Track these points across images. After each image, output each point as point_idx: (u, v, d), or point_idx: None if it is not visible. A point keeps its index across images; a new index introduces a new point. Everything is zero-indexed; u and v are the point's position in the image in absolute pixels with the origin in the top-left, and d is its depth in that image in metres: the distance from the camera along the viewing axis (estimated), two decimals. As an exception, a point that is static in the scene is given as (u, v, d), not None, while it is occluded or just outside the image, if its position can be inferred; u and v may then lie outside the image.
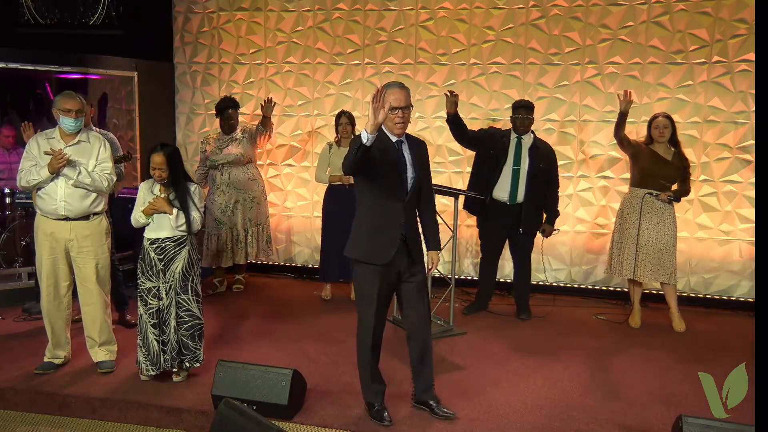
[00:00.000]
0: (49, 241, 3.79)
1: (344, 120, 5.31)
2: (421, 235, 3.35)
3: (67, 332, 3.96)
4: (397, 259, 3.20)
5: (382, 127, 3.12)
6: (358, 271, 3.28)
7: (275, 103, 5.54)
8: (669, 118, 4.78)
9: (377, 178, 3.13)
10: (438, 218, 3.62)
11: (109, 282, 3.98)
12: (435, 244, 3.40)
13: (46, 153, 3.67)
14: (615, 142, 5.53)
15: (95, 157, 3.81)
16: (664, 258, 4.77)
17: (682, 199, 4.85)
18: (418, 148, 3.28)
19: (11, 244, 5.45)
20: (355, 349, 3.26)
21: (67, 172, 3.70)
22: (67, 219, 3.76)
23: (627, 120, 4.77)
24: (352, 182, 5.23)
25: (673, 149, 4.79)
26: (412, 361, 3.41)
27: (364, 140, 2.87)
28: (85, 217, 3.80)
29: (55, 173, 3.68)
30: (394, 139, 3.17)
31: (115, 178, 3.88)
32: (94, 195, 3.80)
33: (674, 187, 4.80)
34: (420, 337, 3.34)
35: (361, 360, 3.36)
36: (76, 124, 3.76)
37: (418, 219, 3.36)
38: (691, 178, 4.90)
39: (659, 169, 4.75)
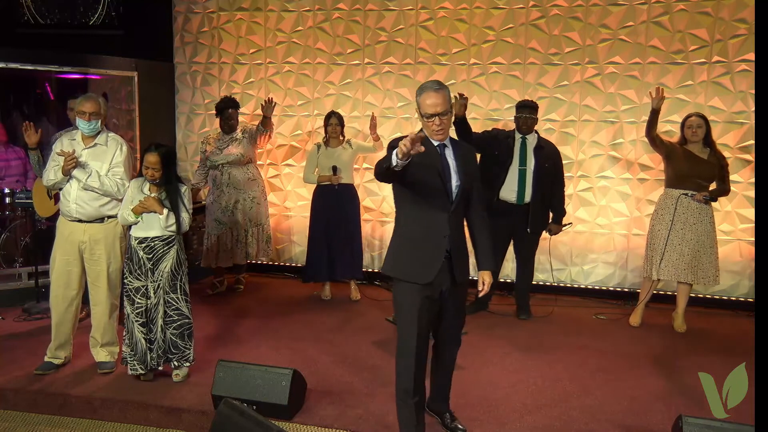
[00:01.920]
0: (64, 243, 3.82)
1: (334, 120, 5.32)
2: (465, 258, 2.99)
3: (72, 334, 3.97)
4: (440, 278, 2.86)
5: (423, 130, 2.85)
6: (396, 289, 2.94)
7: (275, 103, 5.54)
8: (702, 117, 4.71)
9: (417, 186, 2.79)
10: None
11: (119, 285, 3.97)
12: (488, 263, 3.00)
13: (58, 154, 3.70)
14: (615, 142, 5.54)
15: (109, 161, 3.82)
16: (702, 259, 4.71)
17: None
18: (465, 153, 2.95)
19: (11, 244, 5.45)
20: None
21: (77, 174, 3.73)
22: (80, 221, 3.79)
23: (659, 119, 4.73)
24: (341, 182, 5.27)
25: (707, 149, 4.72)
26: (432, 373, 3.21)
27: (393, 163, 2.55)
28: (99, 220, 3.82)
29: (68, 175, 3.73)
30: (435, 143, 2.84)
31: (127, 183, 3.83)
32: (106, 198, 3.81)
33: (712, 186, 4.72)
34: (446, 354, 3.18)
35: (400, 394, 2.95)
36: (90, 127, 3.76)
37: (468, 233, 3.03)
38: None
39: (695, 168, 4.67)
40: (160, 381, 3.75)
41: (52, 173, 3.77)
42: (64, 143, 3.81)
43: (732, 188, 5.26)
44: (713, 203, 4.76)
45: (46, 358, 3.92)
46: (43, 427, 3.49)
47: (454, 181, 2.85)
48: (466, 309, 3.18)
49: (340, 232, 5.31)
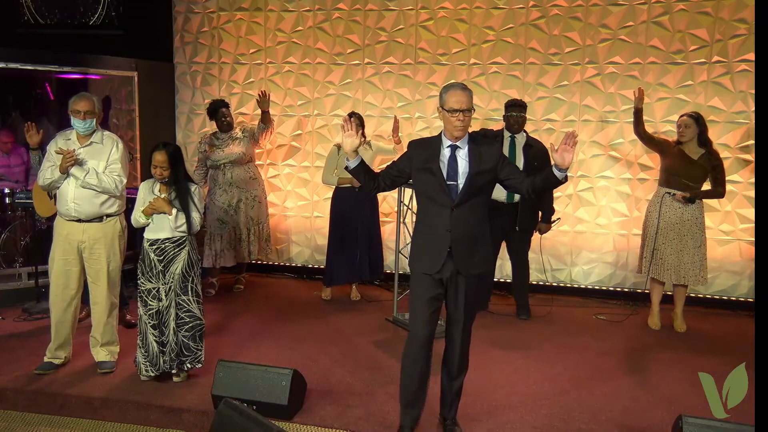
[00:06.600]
0: (63, 242, 3.82)
1: (354, 121, 5.28)
2: (480, 251, 3.07)
3: (72, 333, 3.97)
4: (445, 269, 3.04)
5: (443, 131, 3.05)
6: (411, 280, 3.15)
7: (270, 94, 5.51)
8: (693, 117, 4.70)
9: (420, 185, 3.09)
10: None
11: (119, 284, 3.98)
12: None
13: (56, 152, 3.70)
14: (615, 142, 5.55)
15: (106, 159, 3.81)
16: (684, 259, 4.71)
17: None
18: (483, 149, 3.05)
19: (11, 244, 5.45)
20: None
21: (75, 172, 3.72)
22: (79, 221, 3.78)
23: (643, 117, 4.83)
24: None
25: (702, 149, 4.70)
26: (441, 381, 3.27)
27: (349, 164, 3.19)
28: (98, 219, 3.82)
29: (65, 173, 3.71)
30: (446, 143, 3.03)
31: (125, 180, 3.85)
32: (105, 196, 3.80)
33: (705, 187, 4.72)
34: (452, 361, 3.20)
35: (402, 375, 3.16)
36: (85, 125, 3.76)
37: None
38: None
39: (683, 168, 4.68)
40: (160, 381, 3.74)
41: (48, 172, 3.76)
42: (59, 143, 3.80)
43: (732, 188, 5.26)
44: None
45: (46, 358, 3.92)
46: (43, 427, 3.49)
47: (462, 179, 3.00)
48: (475, 306, 3.20)
49: (361, 234, 5.29)
